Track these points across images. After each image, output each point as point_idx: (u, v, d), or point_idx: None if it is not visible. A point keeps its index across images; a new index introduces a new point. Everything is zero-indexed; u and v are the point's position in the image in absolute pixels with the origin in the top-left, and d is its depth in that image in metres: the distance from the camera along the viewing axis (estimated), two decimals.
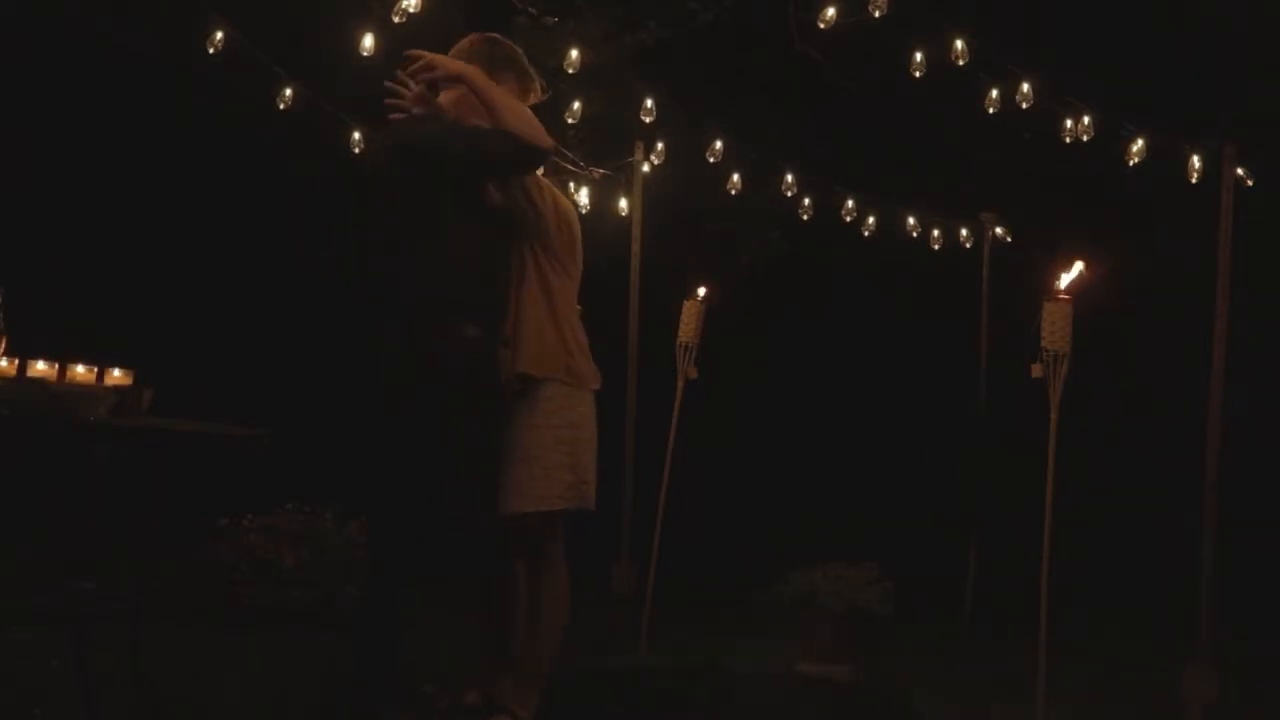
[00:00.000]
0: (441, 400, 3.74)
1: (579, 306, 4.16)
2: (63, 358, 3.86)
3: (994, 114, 5.97)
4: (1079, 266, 4.79)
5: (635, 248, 6.06)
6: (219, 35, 5.57)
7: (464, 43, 4.09)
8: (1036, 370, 4.84)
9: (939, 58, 5.73)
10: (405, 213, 3.81)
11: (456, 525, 3.94)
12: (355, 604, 4.08)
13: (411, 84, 3.91)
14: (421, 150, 3.80)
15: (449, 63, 3.90)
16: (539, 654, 4.01)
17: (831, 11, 5.55)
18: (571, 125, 6.23)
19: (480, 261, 3.81)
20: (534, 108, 4.00)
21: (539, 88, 4.13)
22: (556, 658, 4.06)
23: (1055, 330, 4.79)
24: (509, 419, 3.93)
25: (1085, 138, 5.91)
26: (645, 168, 6.22)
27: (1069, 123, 5.90)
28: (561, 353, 3.95)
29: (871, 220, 7.19)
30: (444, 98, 3.95)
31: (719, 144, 6.49)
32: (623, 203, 6.37)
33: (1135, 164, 5.83)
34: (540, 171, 4.18)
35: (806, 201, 7.05)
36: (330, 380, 4.19)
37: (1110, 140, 5.87)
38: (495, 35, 4.15)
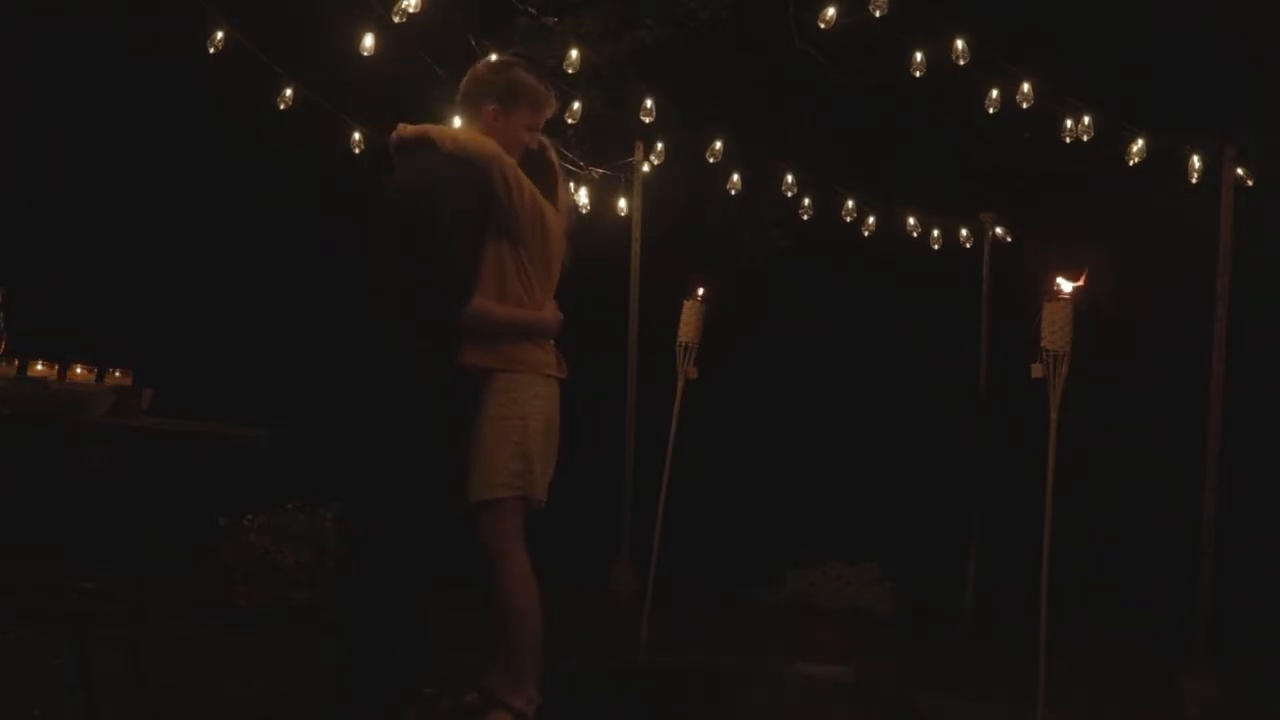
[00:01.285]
0: (408, 406, 3.78)
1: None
2: (63, 358, 3.87)
3: (994, 114, 5.97)
4: (1078, 273, 4.79)
5: (635, 248, 6.06)
6: (219, 35, 5.57)
7: (476, 71, 4.13)
8: (1036, 370, 4.84)
9: (939, 57, 5.73)
10: (387, 226, 3.88)
11: (431, 524, 3.95)
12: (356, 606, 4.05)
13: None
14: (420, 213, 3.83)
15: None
16: (518, 645, 4.00)
17: (831, 11, 5.55)
18: (571, 125, 6.23)
19: (453, 273, 3.85)
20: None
21: (553, 100, 4.17)
22: (539, 648, 4.05)
23: (1055, 330, 4.78)
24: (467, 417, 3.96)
25: (1085, 138, 5.91)
26: (645, 168, 6.21)
27: (1069, 123, 5.90)
28: (504, 342, 3.96)
29: (871, 220, 7.19)
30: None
31: (719, 144, 6.49)
32: (623, 203, 6.37)
33: (1135, 164, 5.83)
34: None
35: (806, 201, 7.04)
36: (316, 380, 4.20)
37: (1110, 140, 5.87)
38: (505, 61, 4.16)
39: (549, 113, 4.17)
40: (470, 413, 3.95)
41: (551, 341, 4.12)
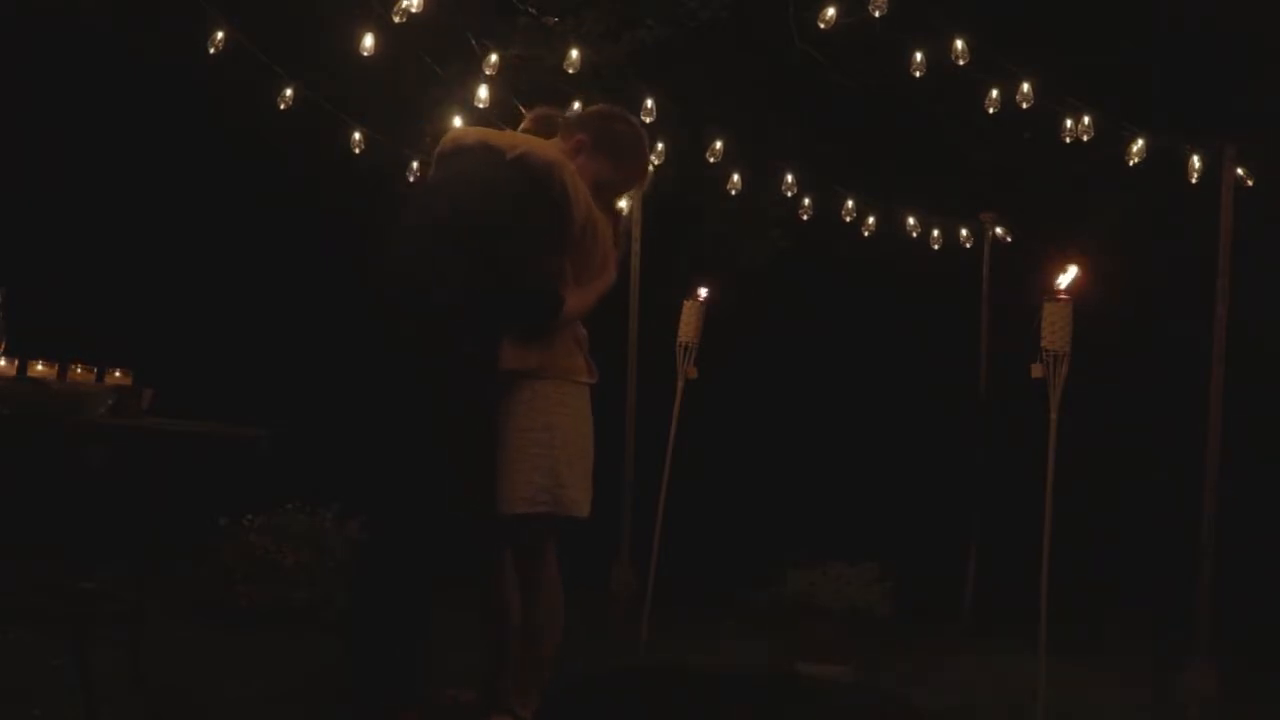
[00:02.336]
0: (446, 406, 3.74)
1: None
2: (63, 358, 3.87)
3: (994, 114, 5.97)
4: (1075, 268, 4.80)
5: (635, 247, 6.06)
6: (219, 35, 5.57)
7: (596, 108, 4.17)
8: (1037, 370, 4.85)
9: (939, 57, 5.73)
10: (444, 224, 3.81)
11: (453, 527, 3.93)
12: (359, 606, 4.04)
13: None
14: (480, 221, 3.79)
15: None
16: (537, 655, 4.00)
17: (831, 11, 5.55)
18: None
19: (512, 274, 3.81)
20: None
21: (642, 181, 4.23)
22: (555, 662, 4.05)
23: (1055, 330, 4.79)
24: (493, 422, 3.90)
25: (1085, 138, 5.91)
26: None
27: (1069, 123, 5.90)
28: (535, 347, 3.88)
29: (871, 220, 7.19)
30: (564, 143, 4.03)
31: (719, 144, 6.49)
32: (623, 203, 6.36)
33: (1135, 164, 5.83)
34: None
35: (806, 201, 7.04)
36: (332, 381, 4.18)
37: (1110, 140, 5.87)
38: (632, 122, 4.13)
39: (631, 187, 4.21)
40: (496, 418, 3.88)
41: (585, 347, 4.06)
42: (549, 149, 3.93)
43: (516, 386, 3.88)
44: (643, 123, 4.21)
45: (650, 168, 4.21)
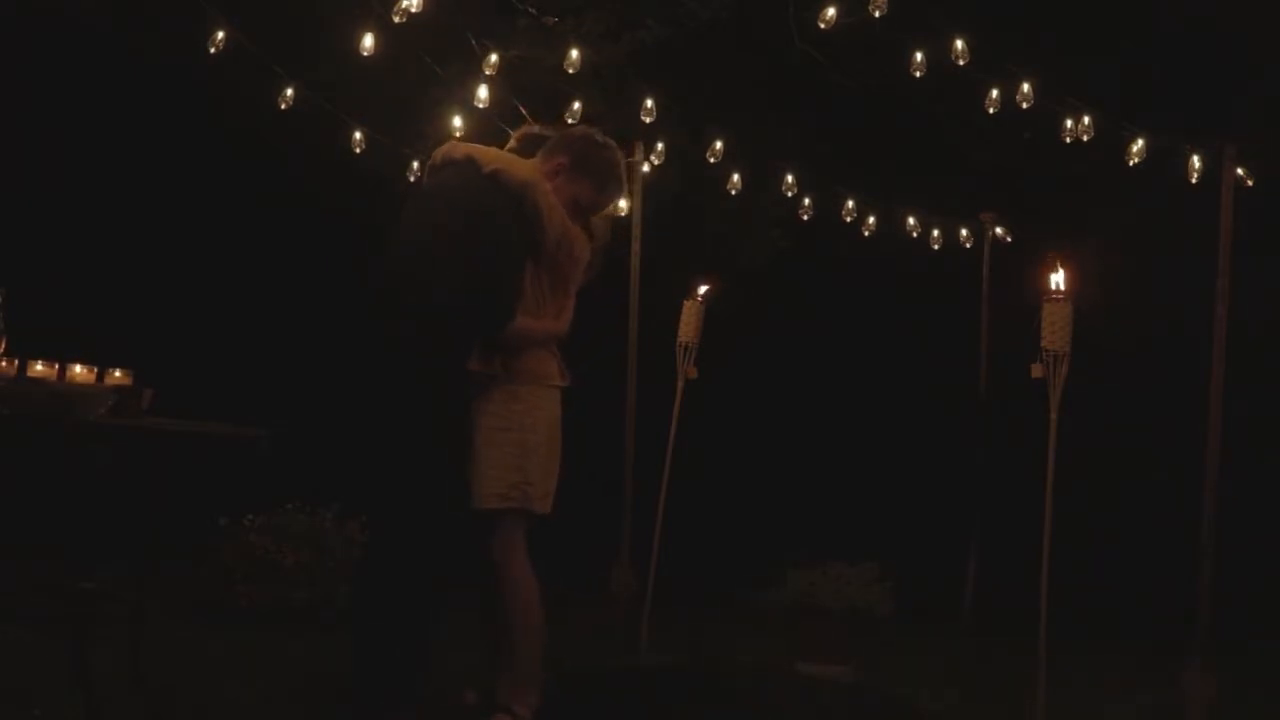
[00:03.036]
0: (445, 406, 3.77)
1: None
2: (63, 358, 3.87)
3: (994, 114, 5.96)
4: (1073, 266, 4.80)
5: (635, 247, 6.05)
6: (219, 35, 5.57)
7: (578, 130, 4.30)
8: (1037, 370, 4.85)
9: (939, 57, 5.72)
10: (428, 231, 3.90)
11: (453, 527, 3.94)
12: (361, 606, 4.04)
13: None
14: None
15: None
16: (523, 652, 4.02)
17: (831, 11, 5.54)
18: (571, 125, 6.22)
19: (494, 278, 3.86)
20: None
21: (618, 200, 4.36)
22: (542, 655, 4.06)
23: (1055, 330, 4.79)
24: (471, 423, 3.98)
25: (1085, 138, 5.90)
26: (645, 168, 6.21)
27: (1069, 123, 5.90)
28: (509, 352, 3.99)
29: (871, 220, 7.18)
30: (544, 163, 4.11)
31: (719, 144, 6.49)
32: (623, 203, 6.36)
33: (1135, 164, 5.82)
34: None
35: (806, 201, 7.04)
36: (332, 380, 4.19)
37: (1110, 140, 5.86)
38: (608, 144, 4.21)
39: (609, 206, 4.30)
40: (473, 420, 3.95)
41: (558, 352, 4.13)
42: (524, 168, 4.03)
43: (492, 390, 3.98)
44: (620, 145, 4.35)
45: (624, 188, 4.30)
